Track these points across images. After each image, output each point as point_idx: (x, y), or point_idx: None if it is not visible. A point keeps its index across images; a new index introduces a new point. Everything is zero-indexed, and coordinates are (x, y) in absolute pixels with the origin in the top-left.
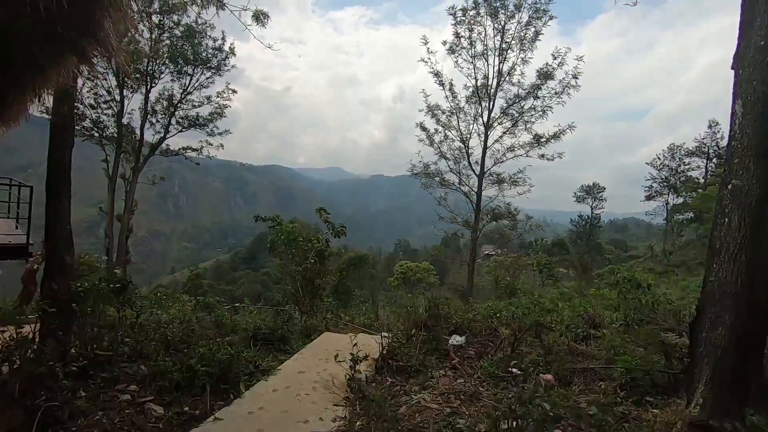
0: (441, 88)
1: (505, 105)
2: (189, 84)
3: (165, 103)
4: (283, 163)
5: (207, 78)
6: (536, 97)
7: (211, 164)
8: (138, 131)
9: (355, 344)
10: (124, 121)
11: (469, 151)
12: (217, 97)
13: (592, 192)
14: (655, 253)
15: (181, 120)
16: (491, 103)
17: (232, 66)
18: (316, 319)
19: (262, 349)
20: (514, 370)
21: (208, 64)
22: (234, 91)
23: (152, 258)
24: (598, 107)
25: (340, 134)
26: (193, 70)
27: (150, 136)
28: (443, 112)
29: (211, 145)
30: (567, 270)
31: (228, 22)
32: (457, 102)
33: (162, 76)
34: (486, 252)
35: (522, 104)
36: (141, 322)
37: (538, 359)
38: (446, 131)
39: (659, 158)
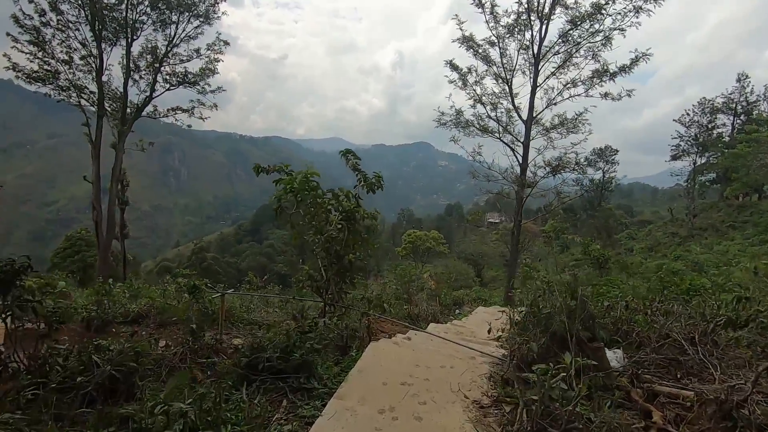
0: (480, 10)
1: (566, 27)
2: (174, 35)
3: (149, 58)
4: (283, 135)
5: (195, 27)
6: (600, 17)
7: (210, 137)
8: (121, 90)
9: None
10: (104, 78)
11: (514, 92)
12: (208, 50)
13: (604, 155)
14: (675, 216)
15: (168, 77)
16: (544, 27)
17: (223, 13)
18: (351, 317)
19: (267, 389)
20: None
21: (195, 11)
22: (227, 43)
23: (156, 232)
24: None
25: (339, 103)
26: (179, 17)
27: (135, 97)
28: (479, 45)
29: (204, 105)
30: (573, 236)
31: None
32: (498, 30)
33: (144, 26)
34: (491, 220)
35: (590, 25)
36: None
37: None
38: (488, 66)
39: (688, 114)
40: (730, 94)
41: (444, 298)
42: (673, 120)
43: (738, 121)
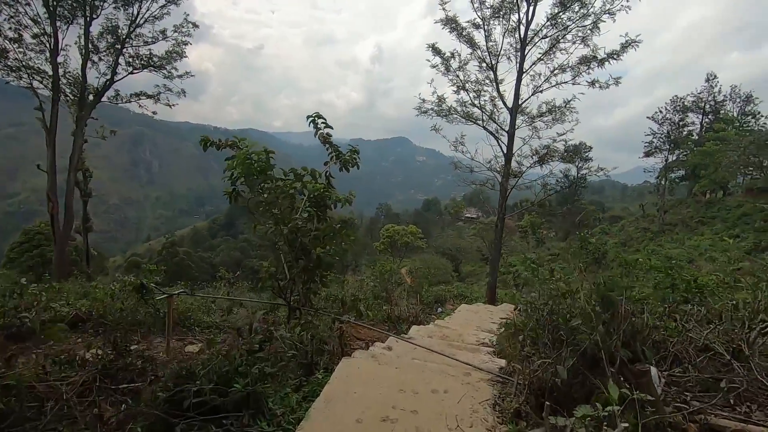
0: None
1: (555, 9)
2: (138, 14)
3: (110, 39)
4: (260, 127)
5: (160, 7)
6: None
7: (183, 128)
8: (79, 73)
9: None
10: (60, 59)
11: (499, 78)
12: (175, 32)
13: (578, 152)
14: (646, 212)
15: (131, 59)
16: (532, 9)
17: None
18: (319, 324)
19: None
20: None
21: None
22: (195, 26)
23: (126, 226)
24: None
25: (317, 96)
26: None
27: (95, 81)
28: (463, 28)
29: (171, 91)
30: (548, 231)
31: None
32: (483, 12)
33: (104, 4)
34: (467, 215)
35: (580, 6)
36: None
37: None
38: (472, 49)
39: (660, 111)
40: (699, 93)
41: (425, 295)
42: (647, 117)
43: (706, 119)
